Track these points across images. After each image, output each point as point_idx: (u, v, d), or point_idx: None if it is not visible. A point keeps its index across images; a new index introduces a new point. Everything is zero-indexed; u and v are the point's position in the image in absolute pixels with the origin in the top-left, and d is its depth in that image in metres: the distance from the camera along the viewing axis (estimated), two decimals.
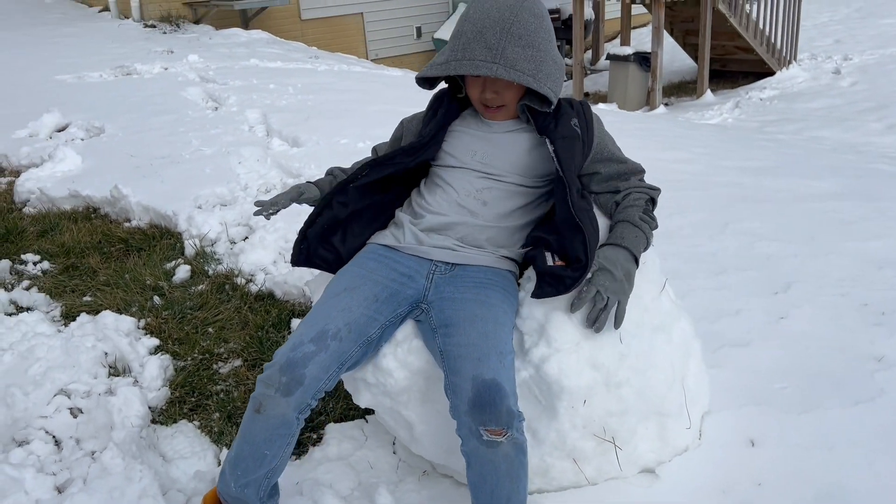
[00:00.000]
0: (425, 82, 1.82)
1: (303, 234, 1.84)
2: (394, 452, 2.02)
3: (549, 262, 1.66)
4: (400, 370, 1.70)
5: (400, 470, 1.96)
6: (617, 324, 1.65)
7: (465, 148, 1.82)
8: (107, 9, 10.37)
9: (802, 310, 2.49)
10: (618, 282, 1.64)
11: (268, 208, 1.92)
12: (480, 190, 1.78)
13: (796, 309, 2.49)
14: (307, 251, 1.84)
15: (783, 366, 2.19)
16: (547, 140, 1.73)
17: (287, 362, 1.58)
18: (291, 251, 1.87)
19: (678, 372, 1.86)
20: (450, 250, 1.76)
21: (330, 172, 2.05)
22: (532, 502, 1.75)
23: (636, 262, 1.70)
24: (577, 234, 1.64)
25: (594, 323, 1.63)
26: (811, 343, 2.29)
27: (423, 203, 1.84)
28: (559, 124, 1.75)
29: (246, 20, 10.25)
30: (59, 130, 5.07)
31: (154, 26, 9.43)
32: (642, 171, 1.89)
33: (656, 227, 1.80)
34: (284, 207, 1.94)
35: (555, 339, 1.66)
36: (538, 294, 1.64)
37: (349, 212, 1.84)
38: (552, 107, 1.74)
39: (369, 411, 2.16)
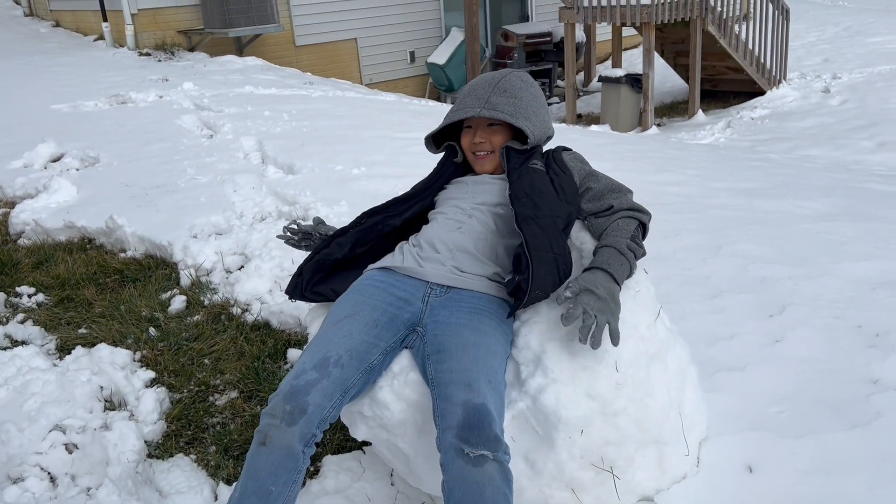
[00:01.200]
0: (432, 145, 2.09)
1: (300, 268, 1.92)
2: (392, 484, 2.01)
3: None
4: (396, 403, 1.70)
5: (398, 502, 1.95)
6: (614, 341, 1.64)
7: (458, 191, 2.00)
8: (102, 37, 10.43)
9: (797, 332, 2.49)
10: (602, 300, 1.65)
11: (290, 228, 2.15)
12: (469, 209, 1.92)
13: (791, 332, 2.50)
14: (302, 286, 1.92)
15: (780, 390, 2.19)
16: (506, 171, 1.93)
17: (290, 390, 1.59)
18: (288, 282, 1.93)
19: (675, 399, 1.86)
20: (446, 272, 1.83)
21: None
22: None
23: (618, 285, 1.72)
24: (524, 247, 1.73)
25: (588, 338, 1.61)
26: (807, 366, 2.30)
27: (421, 233, 1.96)
28: (524, 162, 1.93)
29: (240, 47, 10.32)
30: (54, 160, 5.08)
31: (149, 54, 9.49)
32: (632, 192, 1.97)
33: (643, 254, 1.84)
34: (305, 231, 2.15)
35: (551, 369, 1.66)
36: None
37: (347, 253, 1.95)
38: (529, 141, 1.95)
39: (366, 443, 2.15)
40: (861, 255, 3.13)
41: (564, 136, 6.66)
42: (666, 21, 9.35)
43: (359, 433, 1.81)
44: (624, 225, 1.85)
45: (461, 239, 1.87)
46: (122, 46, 9.93)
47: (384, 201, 2.06)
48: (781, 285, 2.84)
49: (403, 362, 1.74)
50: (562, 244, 1.78)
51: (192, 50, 9.99)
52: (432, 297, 1.81)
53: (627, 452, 1.76)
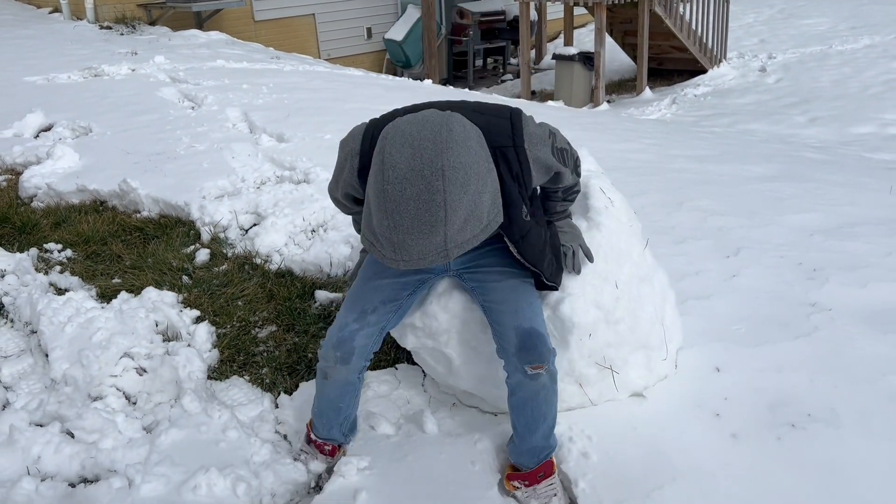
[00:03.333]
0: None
1: None
2: (424, 391, 2.41)
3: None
4: (443, 314, 2.09)
5: (432, 403, 2.35)
6: (589, 258, 2.09)
7: None
8: (57, 10, 10.37)
9: (750, 269, 2.97)
10: (567, 234, 2.09)
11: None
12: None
13: (745, 269, 2.98)
14: None
15: (738, 313, 2.66)
16: None
17: (337, 341, 1.96)
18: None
19: (658, 313, 2.30)
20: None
21: None
22: None
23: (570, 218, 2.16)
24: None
25: (573, 267, 2.06)
26: (759, 294, 2.78)
27: None
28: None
29: (200, 22, 10.40)
30: (45, 130, 5.25)
31: (110, 28, 9.52)
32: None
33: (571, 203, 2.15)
34: None
35: (566, 285, 2.07)
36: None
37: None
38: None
39: (398, 361, 2.55)
40: (799, 208, 3.65)
41: (528, 110, 7.08)
42: (616, 2, 9.83)
43: (408, 343, 2.20)
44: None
45: None
46: (81, 19, 9.91)
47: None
48: (735, 233, 3.33)
49: (446, 284, 2.13)
50: (547, 238, 1.97)
51: (152, 24, 10.04)
52: (452, 264, 2.05)
53: (623, 354, 2.19)
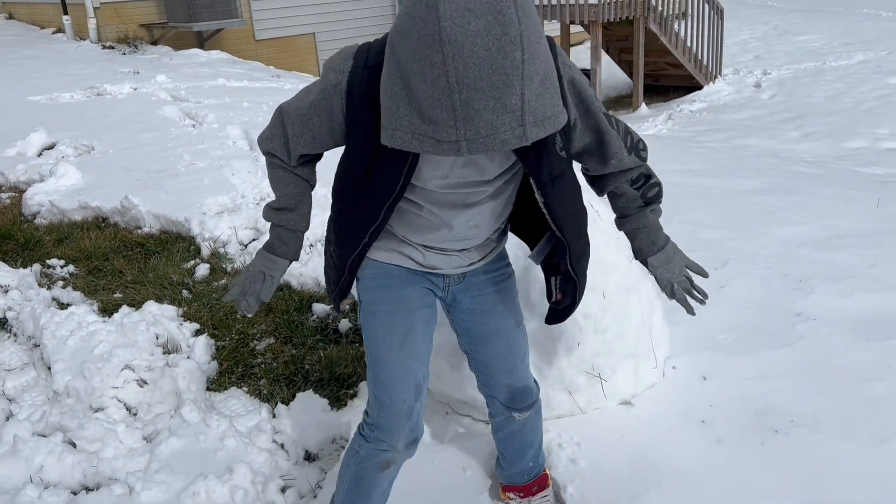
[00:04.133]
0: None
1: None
2: None
3: (552, 297, 1.74)
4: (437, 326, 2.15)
5: (426, 411, 2.40)
6: (702, 298, 1.72)
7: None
8: (61, 30, 10.51)
9: (738, 280, 3.03)
10: (674, 268, 1.71)
11: (249, 309, 1.66)
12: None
13: (733, 280, 3.04)
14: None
15: (725, 322, 2.72)
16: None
17: (411, 428, 1.65)
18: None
19: (646, 323, 2.36)
20: (459, 262, 1.65)
21: (280, 224, 1.64)
22: None
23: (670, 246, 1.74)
24: (562, 245, 1.58)
25: (690, 306, 1.71)
26: (746, 304, 2.84)
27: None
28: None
29: (202, 41, 10.54)
30: (48, 149, 5.34)
31: (112, 48, 9.65)
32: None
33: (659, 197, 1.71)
34: (263, 302, 1.66)
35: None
36: (548, 321, 1.78)
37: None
38: None
39: None
40: (788, 221, 3.71)
41: None
42: (611, 20, 9.97)
43: None
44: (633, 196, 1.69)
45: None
46: (84, 40, 10.05)
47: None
48: (724, 245, 3.40)
49: None
50: (580, 201, 1.61)
51: (154, 43, 10.17)
52: (452, 284, 1.68)
53: (612, 362, 2.25)
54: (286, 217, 1.62)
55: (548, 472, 2.04)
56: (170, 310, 2.99)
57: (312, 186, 1.65)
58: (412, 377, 1.63)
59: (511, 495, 2.02)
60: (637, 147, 1.58)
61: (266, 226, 3.75)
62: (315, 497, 2.10)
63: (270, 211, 1.63)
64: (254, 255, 2.51)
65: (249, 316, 1.74)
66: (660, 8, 10.42)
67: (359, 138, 1.40)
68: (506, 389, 1.79)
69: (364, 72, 1.34)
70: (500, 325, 1.73)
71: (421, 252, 1.60)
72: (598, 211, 2.34)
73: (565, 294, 1.69)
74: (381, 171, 1.41)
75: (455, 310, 1.74)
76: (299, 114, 1.47)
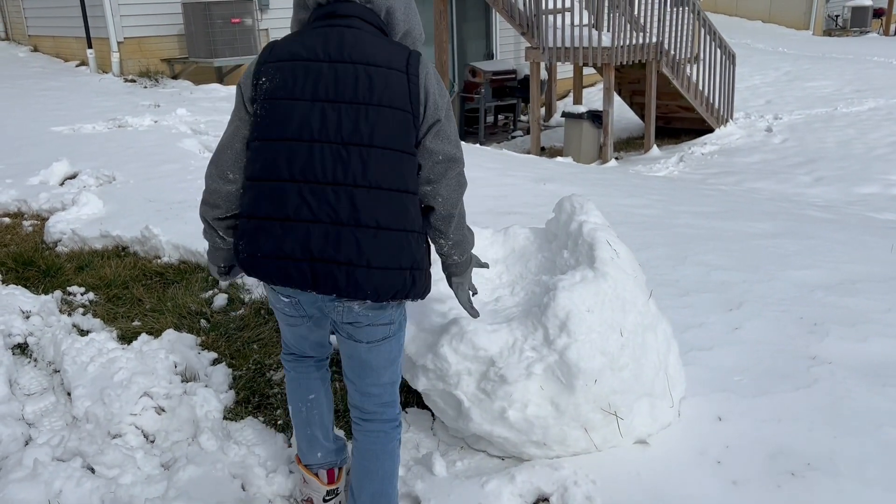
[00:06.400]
0: None
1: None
2: (434, 434, 2.48)
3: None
4: (454, 356, 2.18)
5: (441, 446, 2.42)
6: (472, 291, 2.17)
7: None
8: (84, 63, 10.74)
9: (752, 322, 3.05)
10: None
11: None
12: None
13: (747, 322, 3.06)
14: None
15: (740, 364, 2.73)
16: None
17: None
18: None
19: (662, 362, 2.38)
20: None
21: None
22: (553, 466, 2.23)
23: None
24: None
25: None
26: (760, 347, 2.85)
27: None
28: None
29: (221, 76, 10.74)
30: (70, 178, 5.44)
31: (134, 81, 9.84)
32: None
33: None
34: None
35: (574, 332, 2.16)
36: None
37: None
38: None
39: (408, 405, 2.62)
40: (802, 265, 3.74)
41: (538, 165, 7.26)
42: (624, 63, 10.11)
43: (419, 385, 2.28)
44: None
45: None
46: (107, 73, 10.26)
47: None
48: (738, 287, 3.42)
49: (460, 325, 2.22)
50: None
51: (175, 77, 10.37)
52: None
53: (628, 401, 2.27)
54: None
55: None
56: (188, 338, 3.02)
57: None
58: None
59: None
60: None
61: None
62: None
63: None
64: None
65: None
66: (672, 52, 10.57)
67: None
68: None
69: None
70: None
71: None
72: (617, 250, 2.38)
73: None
74: None
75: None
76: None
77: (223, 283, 3.65)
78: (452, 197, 1.88)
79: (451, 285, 2.13)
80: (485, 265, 2.25)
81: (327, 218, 1.73)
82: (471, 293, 2.16)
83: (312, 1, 1.87)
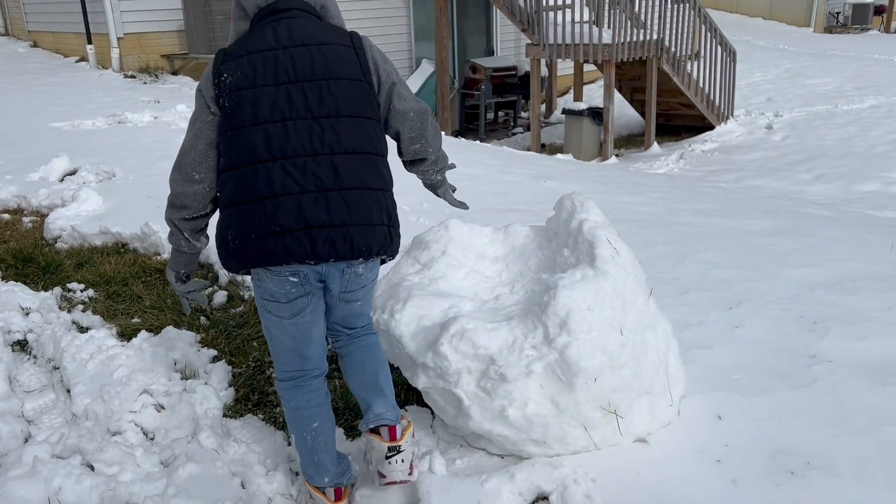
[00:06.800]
0: None
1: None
2: (434, 432, 2.48)
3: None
4: (454, 354, 2.18)
5: (441, 444, 2.42)
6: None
7: None
8: (84, 59, 10.73)
9: (752, 321, 3.05)
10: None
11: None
12: None
13: (747, 320, 3.05)
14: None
15: (739, 362, 2.73)
16: None
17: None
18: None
19: (662, 361, 2.38)
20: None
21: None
22: (553, 464, 2.23)
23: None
24: None
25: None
26: (760, 345, 2.85)
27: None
28: None
29: None
30: (70, 174, 5.43)
31: (134, 77, 9.83)
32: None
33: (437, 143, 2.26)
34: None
35: (574, 330, 2.16)
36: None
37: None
38: None
39: (407, 403, 2.62)
40: (802, 263, 3.73)
41: (538, 162, 7.25)
42: (624, 60, 10.10)
43: (419, 383, 2.28)
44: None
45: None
46: (107, 69, 10.24)
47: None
48: (738, 285, 3.41)
49: (460, 323, 2.21)
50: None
51: (175, 73, 10.36)
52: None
53: (628, 399, 2.26)
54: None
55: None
56: (188, 335, 3.02)
57: None
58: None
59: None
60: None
61: None
62: None
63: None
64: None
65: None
66: (673, 49, 10.56)
67: None
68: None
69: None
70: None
71: None
72: (617, 248, 2.38)
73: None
74: None
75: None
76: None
77: (222, 281, 3.64)
78: (437, 143, 2.19)
79: (438, 195, 2.41)
80: (453, 188, 2.48)
81: (314, 187, 1.86)
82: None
83: (253, 5, 2.02)
